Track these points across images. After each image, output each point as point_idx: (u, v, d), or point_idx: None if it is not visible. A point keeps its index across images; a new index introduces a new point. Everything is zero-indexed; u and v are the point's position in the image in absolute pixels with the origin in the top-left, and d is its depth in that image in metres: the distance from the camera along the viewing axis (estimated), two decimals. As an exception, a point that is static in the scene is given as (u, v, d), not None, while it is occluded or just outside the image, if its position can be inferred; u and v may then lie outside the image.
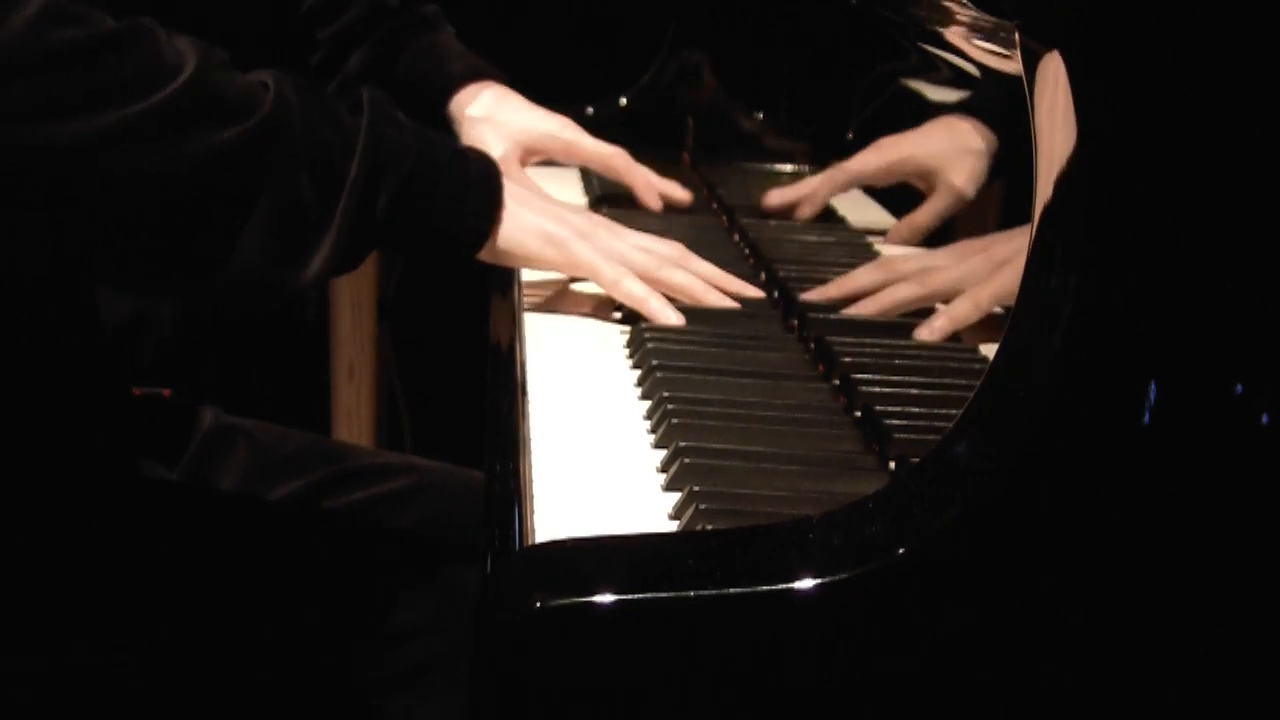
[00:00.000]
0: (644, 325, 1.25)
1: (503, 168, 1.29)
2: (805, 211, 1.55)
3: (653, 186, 1.60)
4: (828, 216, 1.59)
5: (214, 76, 1.14)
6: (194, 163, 1.12)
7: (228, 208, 1.14)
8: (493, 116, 1.59)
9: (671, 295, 1.29)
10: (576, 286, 1.37)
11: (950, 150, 1.30)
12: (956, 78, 1.24)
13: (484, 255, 1.27)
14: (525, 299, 1.35)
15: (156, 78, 1.11)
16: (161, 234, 1.14)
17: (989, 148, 1.24)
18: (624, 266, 1.29)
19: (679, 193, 1.61)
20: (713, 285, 1.32)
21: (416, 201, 1.21)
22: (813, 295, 1.31)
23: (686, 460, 0.98)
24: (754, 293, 1.33)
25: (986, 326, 1.20)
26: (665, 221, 1.57)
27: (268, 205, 1.14)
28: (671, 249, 1.33)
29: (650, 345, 1.20)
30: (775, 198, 1.57)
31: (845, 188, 1.54)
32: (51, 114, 1.07)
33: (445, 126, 1.59)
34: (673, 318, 1.27)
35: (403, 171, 1.20)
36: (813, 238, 1.52)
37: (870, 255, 1.44)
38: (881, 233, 1.48)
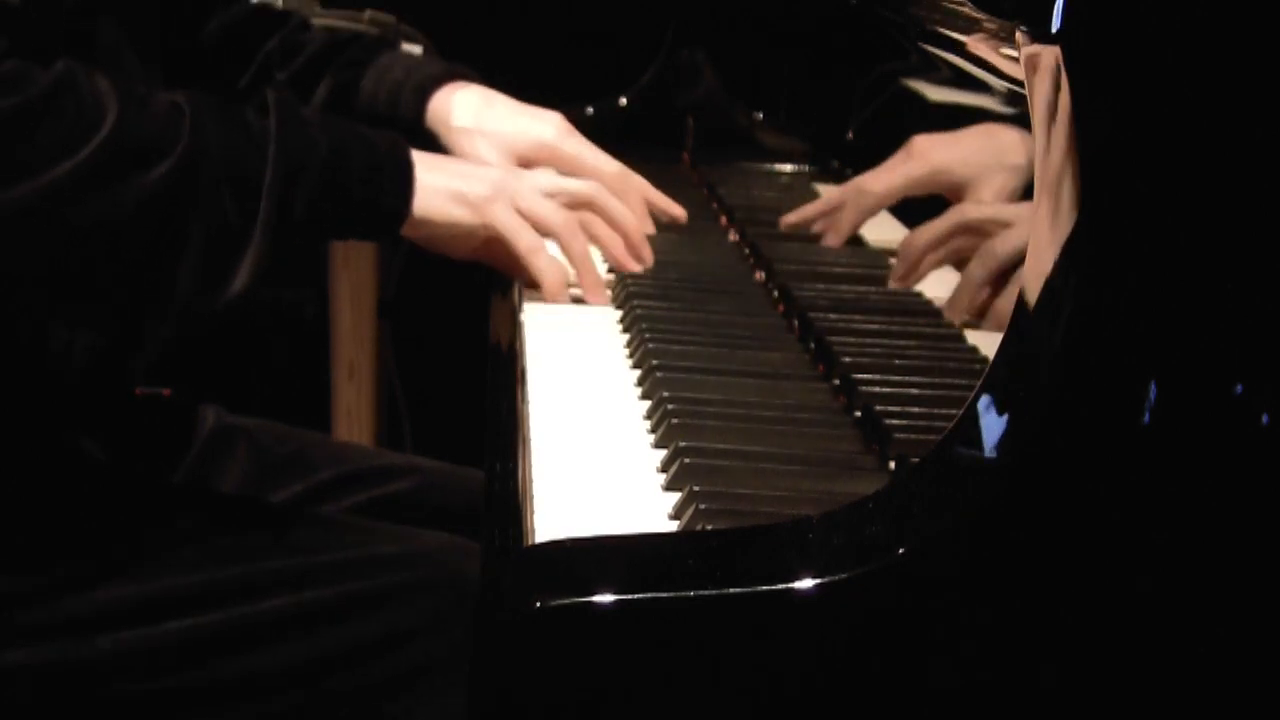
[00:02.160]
0: (644, 325, 1.25)
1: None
2: (832, 241, 1.48)
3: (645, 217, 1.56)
4: None
5: (134, 119, 1.15)
6: (125, 208, 1.14)
7: (163, 244, 1.16)
8: (482, 126, 1.51)
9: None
10: (576, 287, 1.37)
11: (987, 165, 1.25)
12: (957, 78, 1.23)
13: (405, 230, 1.29)
14: (525, 298, 1.35)
15: (81, 134, 1.13)
16: (104, 279, 1.17)
17: (1029, 163, 1.20)
18: (536, 222, 1.33)
19: (674, 209, 1.56)
20: (624, 236, 1.38)
21: (332, 195, 1.23)
22: (954, 315, 1.23)
23: (686, 460, 0.98)
24: (643, 264, 1.39)
25: (986, 325, 1.20)
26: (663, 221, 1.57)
27: (198, 232, 1.16)
28: (584, 188, 1.39)
29: (650, 345, 1.20)
30: (794, 216, 1.52)
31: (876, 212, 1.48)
32: None
33: (426, 138, 1.50)
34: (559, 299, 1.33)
35: (315, 169, 1.22)
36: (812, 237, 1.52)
37: (871, 254, 1.44)
38: (891, 253, 1.45)
